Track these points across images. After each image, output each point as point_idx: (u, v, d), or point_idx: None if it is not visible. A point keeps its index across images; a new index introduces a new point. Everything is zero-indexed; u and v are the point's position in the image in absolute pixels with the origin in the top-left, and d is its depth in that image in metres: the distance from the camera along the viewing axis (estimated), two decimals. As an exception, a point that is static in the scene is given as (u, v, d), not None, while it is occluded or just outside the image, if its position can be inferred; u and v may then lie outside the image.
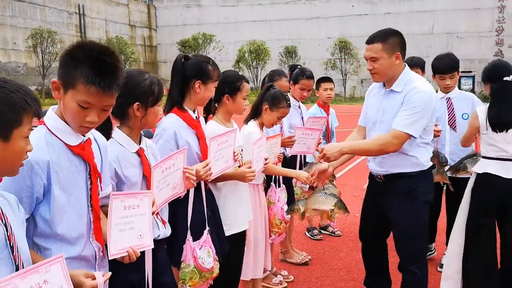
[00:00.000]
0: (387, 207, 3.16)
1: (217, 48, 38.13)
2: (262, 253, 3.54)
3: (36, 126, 1.65)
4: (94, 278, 1.53)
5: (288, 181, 4.01)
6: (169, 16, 45.92)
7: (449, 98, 4.25)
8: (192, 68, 2.68)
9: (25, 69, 35.41)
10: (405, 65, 3.08)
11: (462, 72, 33.86)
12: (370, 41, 3.01)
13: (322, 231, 5.41)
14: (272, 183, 3.75)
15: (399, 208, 3.10)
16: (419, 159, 3.04)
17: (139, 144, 2.24)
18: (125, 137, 2.20)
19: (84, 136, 1.76)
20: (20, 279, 1.26)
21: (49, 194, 1.64)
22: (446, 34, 37.58)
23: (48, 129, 1.70)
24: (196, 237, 2.56)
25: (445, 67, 4.17)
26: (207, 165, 2.52)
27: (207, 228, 2.64)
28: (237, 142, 2.90)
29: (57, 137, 1.69)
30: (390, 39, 2.97)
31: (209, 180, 2.67)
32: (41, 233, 1.65)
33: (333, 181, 3.98)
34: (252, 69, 37.11)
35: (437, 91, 3.83)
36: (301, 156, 4.34)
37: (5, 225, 1.40)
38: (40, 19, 36.14)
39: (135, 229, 1.79)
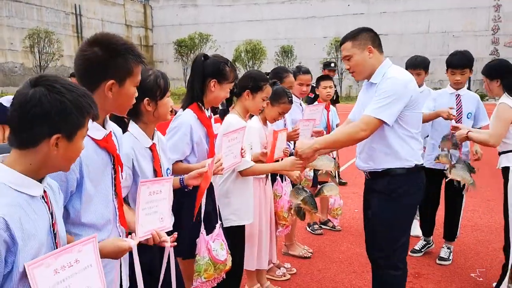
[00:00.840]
0: (368, 204, 3.13)
1: (213, 47, 38.15)
2: (266, 245, 3.64)
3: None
4: None
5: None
6: (165, 16, 45.92)
7: (459, 95, 4.36)
8: (209, 67, 2.78)
9: (22, 69, 35.37)
10: (386, 58, 3.06)
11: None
12: (342, 42, 3.08)
13: (323, 226, 5.50)
14: (278, 177, 3.84)
15: (376, 206, 3.04)
16: (400, 153, 2.90)
17: (152, 140, 2.35)
18: (141, 132, 2.30)
19: (106, 129, 1.85)
20: (54, 258, 1.34)
21: (81, 187, 1.74)
22: (442, 33, 37.75)
23: None
24: (207, 231, 2.64)
25: (457, 62, 4.30)
26: (219, 160, 2.61)
27: (219, 222, 2.73)
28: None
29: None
30: (359, 35, 3.01)
31: (222, 174, 2.76)
32: (73, 222, 1.76)
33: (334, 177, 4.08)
34: (248, 69, 37.15)
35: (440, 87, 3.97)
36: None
37: (51, 213, 1.50)
38: (37, 19, 36.09)
39: (157, 213, 1.94)
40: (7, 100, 7.37)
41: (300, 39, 40.35)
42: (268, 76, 3.77)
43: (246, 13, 42.46)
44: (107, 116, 1.90)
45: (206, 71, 2.77)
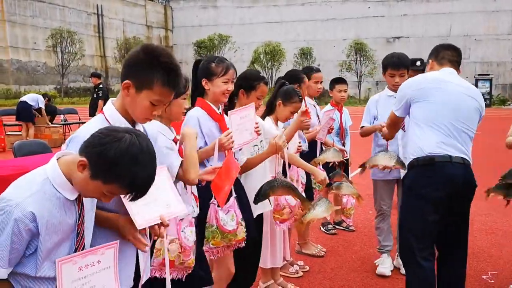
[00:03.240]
0: None
1: (232, 49, 38.39)
2: (280, 242, 3.74)
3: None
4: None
5: (307, 176, 4.17)
6: (185, 17, 46.31)
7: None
8: (200, 70, 2.99)
9: (44, 68, 36.05)
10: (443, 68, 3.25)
11: (480, 75, 33.68)
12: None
13: (337, 226, 5.57)
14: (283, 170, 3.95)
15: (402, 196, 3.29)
16: (416, 142, 3.06)
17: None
18: (164, 126, 2.43)
19: (134, 126, 1.96)
20: (81, 257, 1.60)
21: None
22: (464, 36, 37.34)
23: (106, 118, 1.92)
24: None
25: (397, 63, 4.20)
26: (228, 134, 2.76)
27: (234, 195, 2.86)
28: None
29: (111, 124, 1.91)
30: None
31: (233, 150, 2.88)
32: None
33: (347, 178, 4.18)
34: (267, 70, 37.28)
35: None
36: (320, 148, 4.52)
37: (79, 215, 1.67)
38: (60, 19, 36.74)
39: (157, 200, 1.97)
40: (31, 99, 7.88)
41: (319, 41, 40.31)
42: (283, 80, 3.88)
43: (266, 15, 42.58)
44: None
45: (198, 74, 2.97)
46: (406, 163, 3.23)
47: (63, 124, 13.70)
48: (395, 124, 3.52)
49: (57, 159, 1.62)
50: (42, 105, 12.55)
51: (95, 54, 40.71)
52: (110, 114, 1.93)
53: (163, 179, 2.04)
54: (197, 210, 2.59)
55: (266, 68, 37.45)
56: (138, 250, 1.98)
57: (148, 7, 45.93)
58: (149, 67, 1.84)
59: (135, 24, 44.20)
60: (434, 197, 2.99)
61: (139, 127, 2.01)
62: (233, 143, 2.79)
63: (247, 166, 3.20)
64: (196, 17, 45.66)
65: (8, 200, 1.48)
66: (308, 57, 38.43)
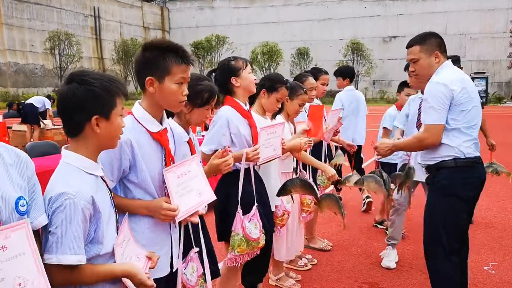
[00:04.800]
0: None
1: (229, 49, 38.52)
2: (296, 237, 3.92)
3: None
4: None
5: (314, 172, 4.33)
6: (182, 18, 46.44)
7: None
8: (223, 72, 3.11)
9: (42, 71, 36.12)
10: (447, 60, 3.19)
11: (475, 73, 33.93)
12: (410, 45, 3.24)
13: (378, 226, 5.65)
14: (301, 169, 4.10)
15: (428, 196, 3.30)
16: (451, 143, 3.03)
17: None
18: (179, 126, 2.56)
19: (162, 124, 2.12)
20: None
21: (136, 167, 2.03)
22: (459, 35, 37.60)
23: (135, 118, 2.07)
24: (246, 212, 2.93)
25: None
26: (255, 149, 2.91)
27: (256, 204, 3.00)
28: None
29: (141, 124, 2.06)
30: (427, 40, 3.18)
31: (258, 164, 3.04)
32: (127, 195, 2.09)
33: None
34: (264, 71, 37.43)
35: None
36: (325, 147, 4.67)
37: (109, 190, 1.84)
38: (57, 22, 36.82)
39: (193, 191, 2.15)
40: (37, 101, 8.08)
41: (316, 41, 40.51)
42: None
43: (262, 15, 42.76)
44: (164, 113, 2.17)
45: (226, 73, 3.08)
46: (424, 164, 3.27)
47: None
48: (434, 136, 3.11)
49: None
50: (49, 106, 12.66)
51: (92, 56, 40.81)
52: (140, 115, 2.08)
53: (196, 167, 2.22)
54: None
55: (264, 69, 37.60)
56: (172, 239, 2.16)
57: (145, 8, 46.04)
58: (159, 57, 2.02)
59: (132, 26, 44.33)
60: (469, 197, 3.12)
61: (166, 125, 2.16)
62: (259, 158, 2.95)
63: (305, 159, 3.54)
64: (193, 18, 45.81)
65: (66, 193, 1.59)
66: (305, 57, 38.60)
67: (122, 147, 1.96)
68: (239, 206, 2.88)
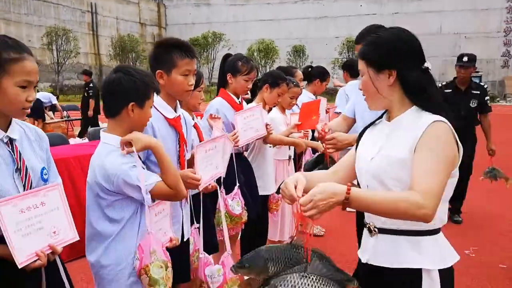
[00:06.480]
0: None
1: (226, 46, 38.67)
2: (288, 220, 4.21)
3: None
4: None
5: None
6: (178, 14, 46.57)
7: None
8: (227, 64, 3.45)
9: (39, 66, 35.98)
10: None
11: (469, 71, 34.37)
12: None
13: None
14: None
15: None
16: None
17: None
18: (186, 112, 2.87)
19: (176, 112, 2.44)
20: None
21: None
22: (454, 34, 37.97)
23: (154, 105, 2.34)
24: (228, 191, 3.23)
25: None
26: (234, 133, 3.22)
27: (237, 184, 3.30)
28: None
29: (159, 111, 2.38)
30: None
31: (239, 146, 3.31)
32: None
33: None
34: (260, 68, 37.66)
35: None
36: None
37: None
38: (54, 17, 36.90)
39: (212, 164, 2.52)
40: (43, 96, 8.48)
41: (312, 39, 40.79)
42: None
43: (259, 13, 42.98)
44: (178, 103, 2.49)
45: (225, 68, 3.43)
46: None
47: (66, 120, 14.12)
48: None
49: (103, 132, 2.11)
50: (55, 101, 13.01)
51: (89, 52, 40.93)
52: (158, 103, 2.39)
53: (221, 145, 2.59)
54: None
55: (260, 66, 37.84)
56: (184, 213, 2.48)
57: (142, 4, 46.15)
58: (165, 53, 2.36)
59: (129, 22, 44.44)
60: None
61: (179, 112, 2.47)
62: (239, 141, 3.24)
63: (274, 140, 3.71)
64: (190, 15, 45.96)
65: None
66: (301, 54, 38.86)
67: (146, 129, 2.25)
68: (222, 186, 3.16)
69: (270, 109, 4.16)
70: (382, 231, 1.73)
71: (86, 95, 12.73)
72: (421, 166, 1.57)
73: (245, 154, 3.70)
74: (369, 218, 1.79)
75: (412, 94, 1.71)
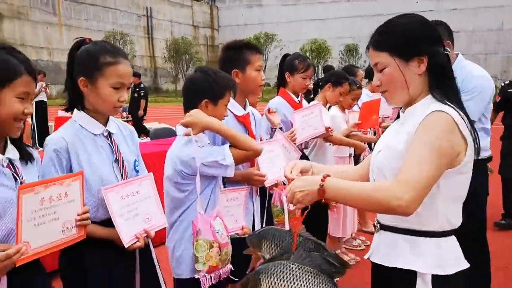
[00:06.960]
0: None
1: (278, 47, 38.81)
2: (351, 216, 4.26)
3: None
4: None
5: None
6: (230, 16, 47.11)
7: None
8: (285, 64, 3.55)
9: (98, 69, 37.69)
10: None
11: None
12: None
13: None
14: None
15: None
16: None
17: None
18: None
19: (245, 110, 2.63)
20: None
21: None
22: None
23: None
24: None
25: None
26: (291, 132, 3.29)
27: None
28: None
29: (228, 109, 2.45)
30: None
31: (296, 144, 3.35)
32: None
33: None
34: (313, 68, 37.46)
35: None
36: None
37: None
38: (112, 22, 38.28)
39: (279, 161, 2.66)
40: None
41: (365, 37, 39.39)
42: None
43: (311, 12, 42.80)
44: (247, 101, 2.62)
45: (283, 67, 3.52)
46: None
47: (125, 120, 14.72)
48: None
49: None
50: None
51: (144, 55, 42.16)
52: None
53: (277, 148, 2.70)
54: None
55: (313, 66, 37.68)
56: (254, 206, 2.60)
57: (195, 7, 47.05)
58: (237, 53, 2.53)
59: (182, 25, 45.40)
60: None
61: (248, 110, 2.61)
62: (297, 139, 3.31)
63: (335, 140, 3.81)
64: (242, 16, 46.39)
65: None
66: (354, 53, 38.38)
67: None
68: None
69: (329, 107, 4.21)
70: (383, 227, 1.65)
71: (136, 96, 13.09)
72: (408, 156, 1.48)
73: (305, 151, 3.77)
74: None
75: (440, 81, 1.58)
